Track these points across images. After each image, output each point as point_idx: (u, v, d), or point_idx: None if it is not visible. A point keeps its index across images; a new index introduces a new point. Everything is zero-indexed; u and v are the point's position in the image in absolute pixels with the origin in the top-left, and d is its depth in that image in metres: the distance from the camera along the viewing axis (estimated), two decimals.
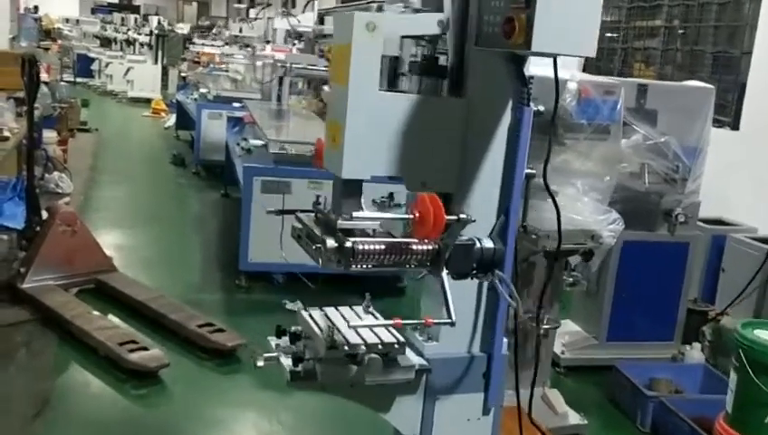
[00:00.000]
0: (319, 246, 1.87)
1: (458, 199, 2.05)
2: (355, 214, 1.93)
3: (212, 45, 11.98)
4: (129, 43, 17.95)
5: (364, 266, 1.85)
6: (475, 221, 1.91)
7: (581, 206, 3.46)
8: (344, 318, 2.13)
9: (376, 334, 2.10)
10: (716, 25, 6.46)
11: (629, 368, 4.33)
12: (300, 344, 2.13)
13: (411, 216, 1.83)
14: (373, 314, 2.20)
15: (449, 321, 1.87)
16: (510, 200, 2.08)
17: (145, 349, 4.17)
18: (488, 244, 1.93)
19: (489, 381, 2.19)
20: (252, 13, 10.46)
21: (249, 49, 9.00)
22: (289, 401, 4.00)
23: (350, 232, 1.92)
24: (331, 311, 2.23)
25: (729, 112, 6.16)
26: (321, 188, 5.43)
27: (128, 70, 16.73)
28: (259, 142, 5.62)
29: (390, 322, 1.93)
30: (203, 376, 4.25)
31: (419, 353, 2.16)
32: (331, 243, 1.83)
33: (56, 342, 4.44)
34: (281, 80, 8.23)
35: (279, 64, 6.23)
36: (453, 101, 2.02)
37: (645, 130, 4.32)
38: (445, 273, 1.90)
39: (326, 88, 8.14)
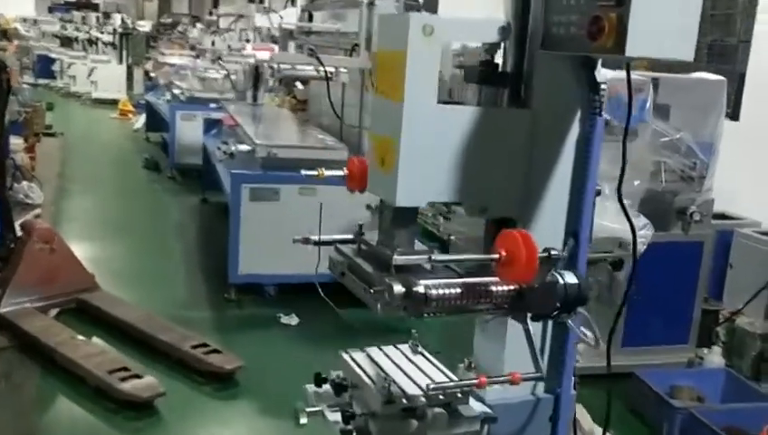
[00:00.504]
0: (378, 289, 1.60)
1: (520, 225, 1.80)
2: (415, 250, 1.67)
3: (180, 55, 11.53)
4: (92, 42, 17.38)
5: (433, 315, 1.58)
6: (565, 257, 1.66)
7: (609, 211, 3.23)
8: (396, 364, 1.87)
9: (430, 378, 1.84)
10: (712, 14, 6.30)
11: (649, 375, 4.14)
12: (345, 396, 1.86)
13: (496, 256, 1.56)
14: (423, 355, 1.95)
15: (539, 375, 1.62)
16: (579, 222, 1.83)
17: (138, 377, 3.86)
18: (571, 279, 1.67)
19: (557, 425, 1.95)
20: (222, 22, 10.09)
21: (221, 61, 8.69)
22: (295, 429, 3.72)
23: (404, 268, 1.66)
24: (375, 353, 1.97)
25: (729, 103, 6.00)
26: (314, 195, 5.18)
27: (91, 70, 16.19)
28: (245, 147, 5.31)
29: (472, 380, 1.66)
30: (201, 403, 3.95)
31: (479, 398, 1.91)
32: (398, 289, 1.54)
33: (39, 372, 4.10)
34: (257, 79, 7.96)
35: (266, 65, 5.93)
36: (517, 112, 1.77)
37: (659, 126, 4.12)
38: (529, 317, 1.65)
39: (299, 85, 7.87)
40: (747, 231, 5.33)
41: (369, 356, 1.94)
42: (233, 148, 5.48)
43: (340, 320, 5.20)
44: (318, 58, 4.98)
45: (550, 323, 1.91)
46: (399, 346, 2.00)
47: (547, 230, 1.82)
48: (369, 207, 5.22)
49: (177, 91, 9.22)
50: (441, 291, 1.56)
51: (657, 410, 3.94)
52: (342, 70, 5.24)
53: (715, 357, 4.46)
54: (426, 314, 1.56)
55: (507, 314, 1.67)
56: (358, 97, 5.60)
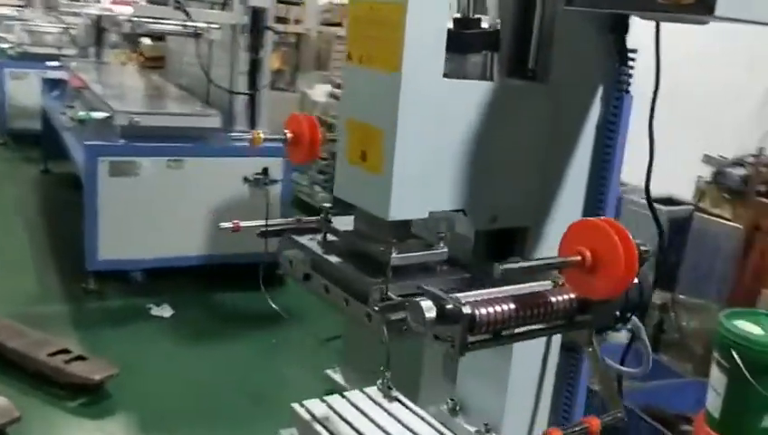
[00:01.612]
0: (383, 305, 1.10)
1: (533, 232, 1.40)
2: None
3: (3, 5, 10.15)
4: None
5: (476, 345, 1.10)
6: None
7: None
8: (371, 420, 1.42)
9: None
10: None
11: None
12: None
13: (576, 257, 1.09)
14: (398, 400, 1.52)
15: (620, 415, 1.21)
16: None
17: None
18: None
19: None
20: None
21: (57, 14, 7.72)
22: None
23: (401, 269, 1.21)
24: (338, 402, 1.51)
25: None
26: (183, 168, 4.59)
27: None
28: (101, 114, 4.58)
29: None
30: (66, 425, 3.32)
31: None
32: (431, 313, 1.05)
33: None
34: (99, 35, 7.13)
35: (124, 20, 5.16)
36: (537, 87, 1.34)
37: None
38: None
39: (146, 40, 7.10)
40: (635, 197, 5.27)
41: (331, 408, 1.48)
42: (82, 113, 4.73)
43: (217, 308, 4.71)
44: (186, 12, 4.34)
45: (556, 350, 1.54)
46: (366, 390, 1.56)
47: (558, 236, 1.43)
48: (246, 179, 4.78)
49: (4, 46, 8.06)
50: (490, 309, 1.09)
51: None
52: (214, 26, 4.62)
53: (618, 333, 4.34)
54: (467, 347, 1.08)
55: (566, 332, 1.24)
56: (228, 57, 5.00)
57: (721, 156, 4.25)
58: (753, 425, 2.73)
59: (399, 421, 1.45)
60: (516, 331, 1.12)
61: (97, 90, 5.23)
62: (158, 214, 4.58)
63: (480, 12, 1.40)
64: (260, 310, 4.59)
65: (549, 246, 1.38)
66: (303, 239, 1.36)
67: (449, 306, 1.03)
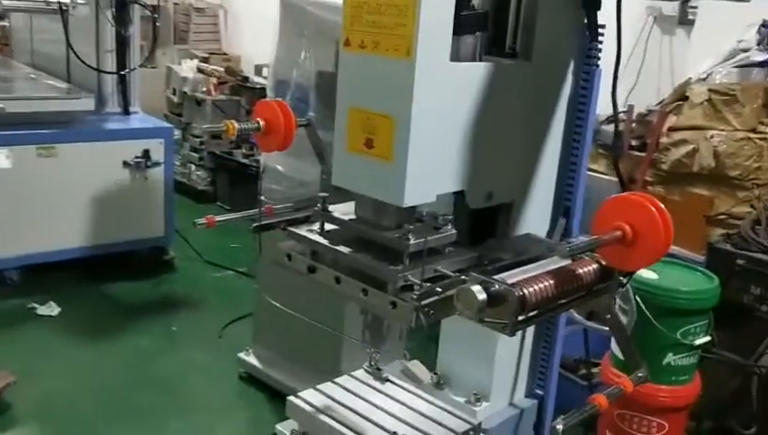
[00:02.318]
0: (419, 293, 1.09)
1: (516, 207, 1.44)
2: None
3: None
4: None
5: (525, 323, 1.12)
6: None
7: None
8: (371, 403, 1.43)
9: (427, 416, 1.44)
10: None
11: None
12: None
13: (618, 232, 1.09)
14: (391, 381, 1.54)
15: (644, 375, 1.25)
16: (573, 198, 1.52)
17: None
18: None
19: (541, 431, 1.67)
20: None
21: None
22: None
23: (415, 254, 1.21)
24: (332, 390, 1.50)
25: None
26: (56, 155, 4.29)
27: None
28: None
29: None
30: None
31: (462, 418, 1.55)
32: (482, 296, 1.05)
33: None
34: None
35: None
36: (524, 66, 1.37)
37: None
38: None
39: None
40: None
41: (328, 396, 1.47)
42: None
43: (107, 300, 4.47)
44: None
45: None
46: (355, 374, 1.55)
47: (537, 210, 1.49)
48: (126, 163, 4.53)
49: None
50: (535, 287, 1.10)
51: None
52: (79, 0, 4.31)
53: None
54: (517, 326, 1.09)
55: (589, 301, 1.26)
56: (91, 34, 4.69)
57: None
58: (656, 362, 2.98)
59: (395, 399, 1.47)
60: (557, 304, 1.16)
61: None
62: (31, 206, 4.25)
63: None
64: (152, 298, 4.43)
65: (529, 219, 1.43)
66: (302, 230, 1.33)
67: (497, 288, 1.04)
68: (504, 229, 1.43)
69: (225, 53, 7.61)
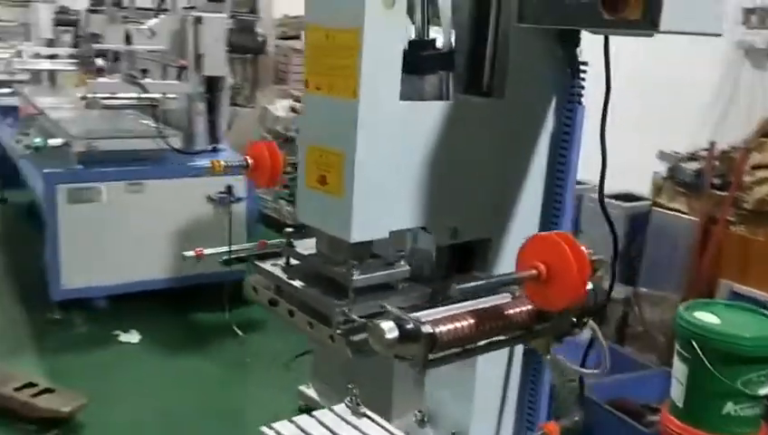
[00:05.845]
0: (345, 328, 1.12)
1: (494, 244, 1.43)
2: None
3: None
4: None
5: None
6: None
7: None
8: None
9: None
10: None
11: None
12: None
13: (530, 272, 1.11)
14: (368, 417, 1.54)
15: (578, 419, 1.23)
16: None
17: None
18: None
19: None
20: None
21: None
22: None
23: (364, 289, 1.23)
24: (306, 422, 1.52)
25: None
26: (143, 192, 4.54)
27: None
28: (57, 141, 4.51)
29: None
30: None
31: None
32: (392, 334, 1.06)
33: None
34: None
35: None
36: (494, 103, 1.37)
37: None
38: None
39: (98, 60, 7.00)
40: (595, 195, 5.34)
41: (299, 428, 1.48)
42: (38, 140, 4.65)
43: (185, 330, 4.64)
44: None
45: (516, 354, 1.56)
46: (335, 408, 1.57)
47: (518, 241, 1.46)
48: (210, 199, 4.74)
49: None
50: (450, 326, 1.10)
51: None
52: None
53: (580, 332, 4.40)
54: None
55: (526, 342, 1.25)
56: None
57: (675, 152, 4.33)
58: (714, 412, 2.80)
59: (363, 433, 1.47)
60: (477, 344, 1.14)
61: (52, 115, 5.16)
62: (119, 239, 4.52)
63: (435, 28, 1.42)
64: (229, 329, 4.59)
65: (510, 256, 1.40)
66: (267, 265, 1.37)
67: (410, 326, 1.04)
68: (482, 266, 1.41)
69: None
